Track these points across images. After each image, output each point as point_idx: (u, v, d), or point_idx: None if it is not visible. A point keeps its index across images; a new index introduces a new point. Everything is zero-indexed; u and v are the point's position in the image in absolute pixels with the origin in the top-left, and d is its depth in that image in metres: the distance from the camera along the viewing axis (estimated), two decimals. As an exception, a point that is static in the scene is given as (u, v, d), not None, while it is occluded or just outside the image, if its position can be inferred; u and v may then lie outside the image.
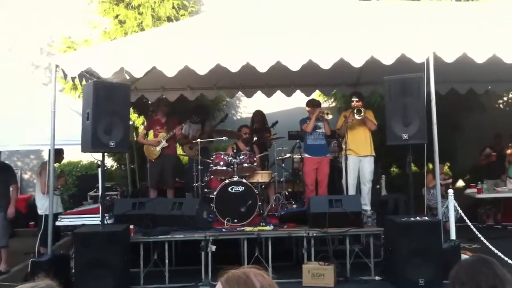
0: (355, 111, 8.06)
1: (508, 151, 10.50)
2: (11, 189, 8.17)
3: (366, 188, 8.16)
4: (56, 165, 8.56)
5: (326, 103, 12.54)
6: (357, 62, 6.86)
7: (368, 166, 8.15)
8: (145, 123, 10.25)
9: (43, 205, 7.85)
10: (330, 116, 8.25)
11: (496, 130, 10.86)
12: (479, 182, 9.64)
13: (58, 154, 7.90)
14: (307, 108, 8.60)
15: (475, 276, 2.24)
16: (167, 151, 8.83)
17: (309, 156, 8.44)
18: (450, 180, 10.34)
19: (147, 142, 9.01)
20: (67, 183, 10.32)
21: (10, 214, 7.98)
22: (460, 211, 7.53)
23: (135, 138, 10.24)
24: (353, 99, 8.37)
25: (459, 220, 7.69)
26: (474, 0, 10.91)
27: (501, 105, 12.87)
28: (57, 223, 7.26)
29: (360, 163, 8.15)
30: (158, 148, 8.75)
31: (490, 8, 9.02)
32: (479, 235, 7.28)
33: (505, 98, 12.83)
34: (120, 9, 11.08)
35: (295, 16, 8.10)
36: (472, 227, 7.39)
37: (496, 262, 2.29)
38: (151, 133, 9.16)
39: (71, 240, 7.02)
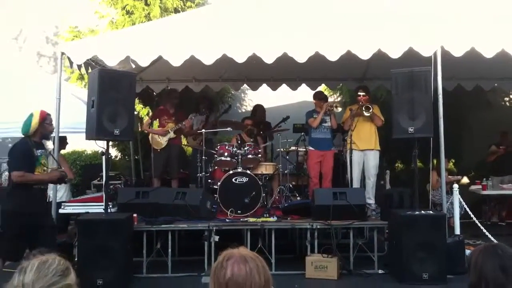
0: (363, 108, 8.01)
1: None
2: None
3: (371, 182, 8.13)
4: (61, 152, 8.52)
5: (332, 97, 12.49)
6: (364, 54, 6.83)
7: (372, 160, 8.11)
8: (150, 112, 10.21)
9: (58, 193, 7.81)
10: (339, 109, 8.21)
11: (502, 128, 10.80)
12: (484, 179, 9.59)
13: (62, 141, 7.89)
14: (314, 101, 8.58)
15: (483, 264, 2.23)
16: (173, 142, 8.80)
17: (313, 149, 8.43)
18: (459, 177, 10.29)
19: (155, 132, 8.92)
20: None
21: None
22: (466, 206, 7.50)
23: (140, 129, 10.23)
24: (359, 93, 8.33)
25: (463, 216, 7.67)
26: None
27: (507, 103, 12.79)
28: (61, 211, 7.24)
29: (365, 157, 8.12)
30: (166, 139, 8.71)
31: (500, 3, 8.95)
32: (485, 231, 7.25)
33: (511, 96, 12.75)
34: (128, 0, 11.07)
35: (303, 8, 8.04)
36: (477, 222, 7.36)
37: (509, 251, 2.27)
38: (156, 122, 9.13)
39: (74, 229, 7.01)
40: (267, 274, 1.86)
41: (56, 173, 5.96)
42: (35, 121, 5.68)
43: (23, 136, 5.77)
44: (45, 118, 5.79)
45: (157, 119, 9.10)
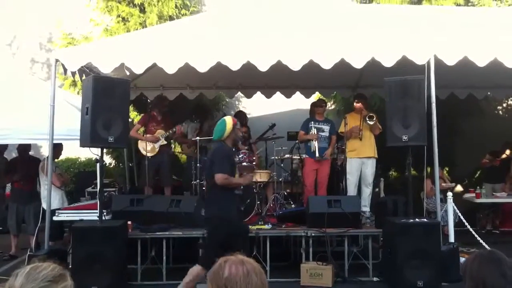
0: (367, 117, 8.08)
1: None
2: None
3: (368, 190, 8.19)
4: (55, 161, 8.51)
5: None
6: (358, 63, 6.86)
7: (370, 168, 8.18)
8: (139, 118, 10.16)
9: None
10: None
11: (495, 136, 10.85)
12: (478, 187, 9.63)
13: (57, 148, 7.87)
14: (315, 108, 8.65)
15: (481, 271, 2.23)
16: (164, 148, 8.75)
17: (309, 157, 8.45)
18: (453, 184, 10.33)
19: (145, 138, 8.74)
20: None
21: None
22: (460, 214, 7.53)
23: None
24: (356, 102, 8.38)
25: (457, 224, 7.69)
26: (476, 6, 10.94)
27: (500, 111, 12.86)
28: (55, 218, 7.21)
29: (363, 165, 8.16)
30: (157, 145, 8.68)
31: (492, 13, 9.04)
32: (480, 240, 7.27)
33: (504, 104, 12.82)
34: (123, 7, 11.07)
35: (297, 17, 8.09)
36: (472, 231, 7.38)
37: (506, 259, 2.28)
38: (141, 129, 8.94)
39: (69, 236, 6.99)
40: (264, 277, 1.89)
41: (250, 177, 6.25)
42: (228, 126, 5.78)
43: (216, 140, 5.90)
44: (236, 123, 5.90)
45: (144, 126, 8.91)
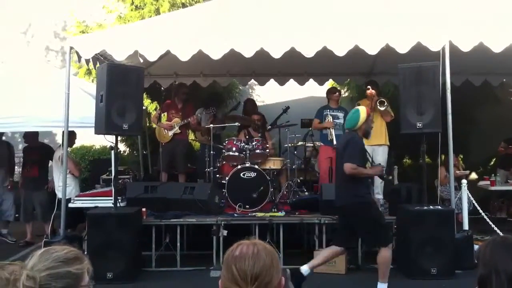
0: (378, 102, 8.00)
1: None
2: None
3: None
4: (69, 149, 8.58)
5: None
6: (372, 49, 6.81)
7: (381, 155, 8.11)
8: (158, 107, 10.23)
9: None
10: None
11: (510, 123, 10.74)
12: (492, 175, 9.56)
13: (70, 137, 7.94)
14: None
15: (494, 257, 2.23)
16: (178, 136, 8.81)
17: (325, 145, 8.44)
18: (468, 172, 10.25)
19: (160, 125, 8.93)
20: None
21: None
22: (474, 202, 7.49)
23: (148, 124, 10.25)
24: (368, 88, 8.33)
25: (471, 212, 7.65)
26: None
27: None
28: (70, 205, 7.30)
29: (374, 152, 8.10)
30: (170, 133, 8.73)
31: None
32: (494, 227, 7.23)
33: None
34: (137, -6, 11.07)
35: (311, 4, 8.03)
36: (486, 218, 7.34)
37: None
38: (164, 116, 9.15)
39: (84, 223, 7.07)
40: (276, 259, 1.90)
41: (380, 169, 6.18)
42: (362, 116, 5.73)
43: (349, 129, 5.88)
44: (369, 114, 5.88)
45: (165, 113, 9.11)
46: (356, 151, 5.61)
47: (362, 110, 5.78)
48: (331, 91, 8.84)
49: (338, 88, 9.22)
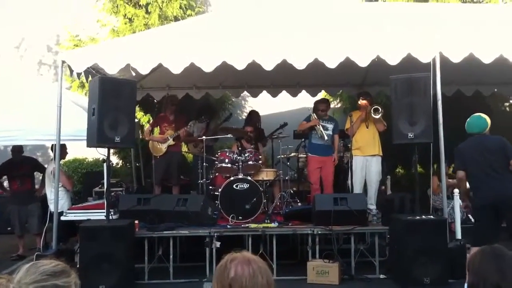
0: (372, 109, 8.02)
1: None
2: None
3: (373, 188, 8.15)
4: (62, 161, 8.57)
5: (332, 103, 12.50)
6: (363, 61, 6.85)
7: (375, 166, 8.13)
8: (151, 120, 10.25)
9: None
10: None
11: (502, 133, 10.72)
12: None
13: (61, 149, 7.93)
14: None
15: (482, 267, 2.25)
16: (172, 149, 8.84)
17: (312, 155, 8.46)
18: None
19: (154, 139, 8.98)
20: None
21: None
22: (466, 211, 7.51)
23: (141, 136, 10.26)
24: (360, 99, 8.37)
25: (464, 221, 7.67)
26: (482, 3, 10.89)
27: (507, 108, 12.80)
28: (62, 218, 7.27)
29: (367, 163, 8.13)
30: (164, 146, 8.76)
31: (497, 10, 9.01)
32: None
33: (511, 101, 12.76)
34: (129, 8, 11.13)
35: (301, 16, 8.09)
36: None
37: (509, 255, 2.29)
38: (157, 129, 9.18)
39: (76, 237, 7.05)
40: (270, 277, 1.89)
41: None
42: (488, 121, 6.21)
43: (478, 134, 6.24)
44: None
45: (158, 126, 9.14)
46: None
47: (487, 116, 6.26)
48: (318, 102, 8.83)
49: (327, 100, 9.19)
